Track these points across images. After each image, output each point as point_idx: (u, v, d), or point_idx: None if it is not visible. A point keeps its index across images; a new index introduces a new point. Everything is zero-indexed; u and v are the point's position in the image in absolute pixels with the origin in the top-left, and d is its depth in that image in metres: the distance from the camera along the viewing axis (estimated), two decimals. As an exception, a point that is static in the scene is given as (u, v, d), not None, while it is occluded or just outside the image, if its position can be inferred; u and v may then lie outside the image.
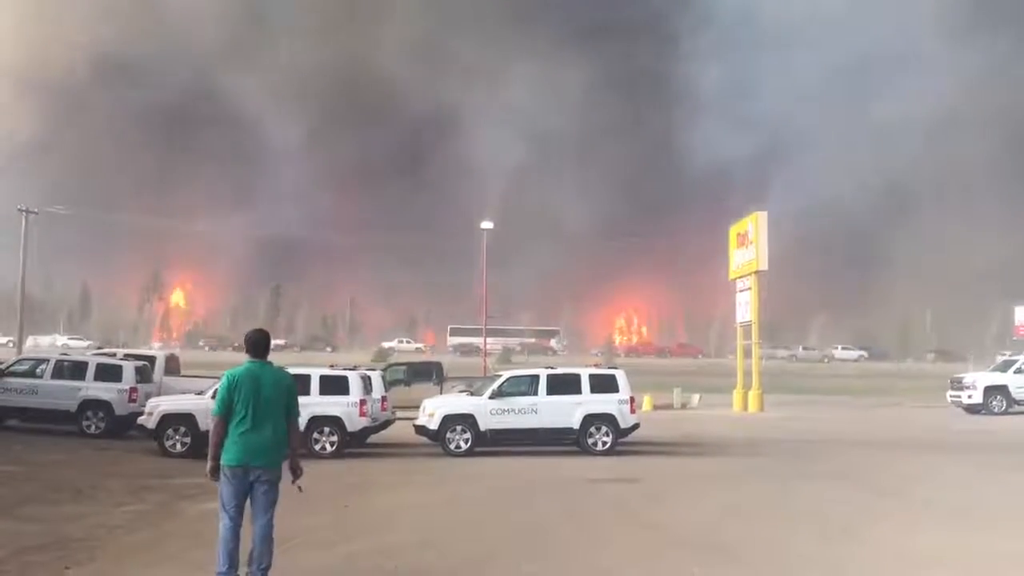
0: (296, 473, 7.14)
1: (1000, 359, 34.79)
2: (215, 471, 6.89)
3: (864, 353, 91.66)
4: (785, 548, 9.48)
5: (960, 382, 32.37)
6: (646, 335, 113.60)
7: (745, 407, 35.27)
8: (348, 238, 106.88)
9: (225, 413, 6.88)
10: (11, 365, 22.46)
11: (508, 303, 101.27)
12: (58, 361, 21.84)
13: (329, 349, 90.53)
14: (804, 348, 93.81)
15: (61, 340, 79.08)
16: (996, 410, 30.45)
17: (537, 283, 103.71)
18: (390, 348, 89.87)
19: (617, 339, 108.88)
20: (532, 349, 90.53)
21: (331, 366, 20.23)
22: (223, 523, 6.82)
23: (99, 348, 34.35)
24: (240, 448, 6.82)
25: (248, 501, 6.91)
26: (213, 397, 16.42)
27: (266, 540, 6.87)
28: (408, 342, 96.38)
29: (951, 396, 32.72)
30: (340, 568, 8.48)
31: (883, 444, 21.61)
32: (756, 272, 35.74)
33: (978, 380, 31.85)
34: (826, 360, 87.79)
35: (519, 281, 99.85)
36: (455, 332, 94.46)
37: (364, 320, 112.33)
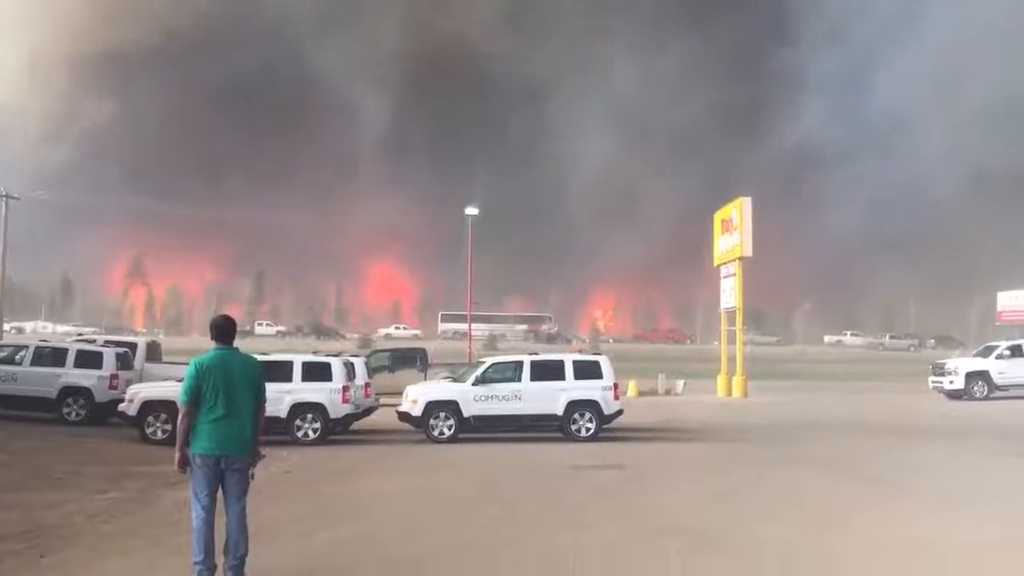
0: (254, 459, 7.05)
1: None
2: (184, 462, 6.78)
3: (915, 342, 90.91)
4: (767, 534, 9.46)
5: (942, 368, 32.56)
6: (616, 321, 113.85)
7: (729, 393, 35.40)
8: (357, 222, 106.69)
9: (193, 402, 6.76)
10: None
11: (532, 290, 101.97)
12: (37, 348, 21.66)
13: (340, 336, 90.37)
14: (891, 336, 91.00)
15: (56, 328, 78.77)
16: (978, 395, 30.65)
17: (551, 268, 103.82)
18: (387, 334, 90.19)
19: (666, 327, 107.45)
20: (538, 336, 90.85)
21: (314, 352, 20.14)
22: (196, 513, 6.73)
23: (79, 334, 34.15)
24: (212, 436, 6.72)
25: (220, 489, 6.83)
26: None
27: (241, 528, 6.80)
28: (405, 328, 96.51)
29: (933, 382, 32.91)
30: (320, 557, 8.41)
31: (865, 429, 21.69)
32: (740, 258, 35.80)
33: (960, 366, 32.06)
34: (911, 349, 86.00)
35: (530, 266, 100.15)
36: (446, 318, 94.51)
37: (351, 306, 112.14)
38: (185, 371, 6.98)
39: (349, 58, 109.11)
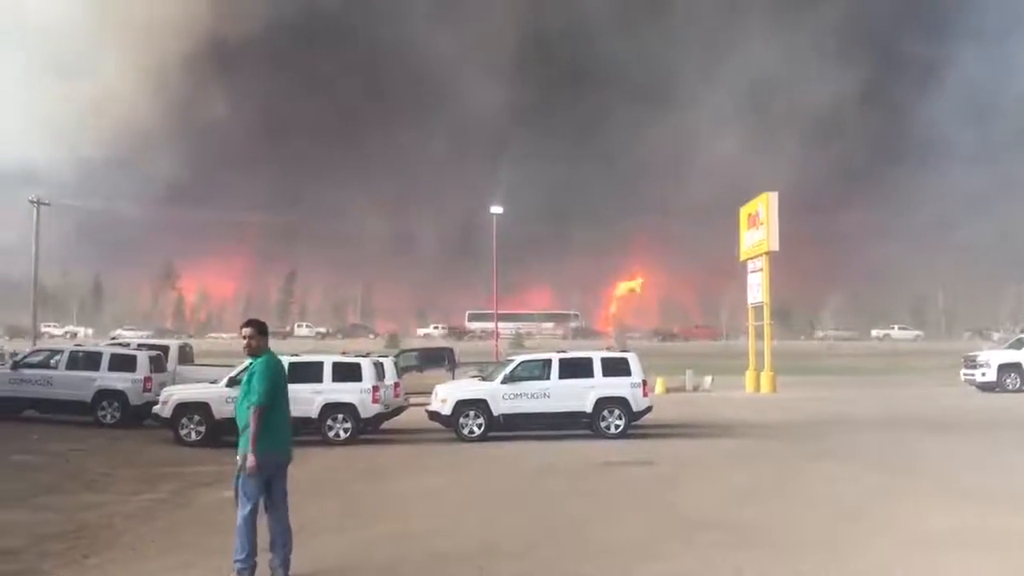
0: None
1: None
2: (257, 464, 6.73)
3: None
4: (800, 528, 9.46)
5: (974, 360, 32.23)
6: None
7: (758, 388, 35.22)
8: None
9: (271, 402, 6.81)
10: (26, 356, 22.62)
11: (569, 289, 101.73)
12: (72, 352, 21.96)
13: (372, 336, 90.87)
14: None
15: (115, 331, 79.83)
16: (1010, 388, 30.31)
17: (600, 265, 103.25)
18: (426, 334, 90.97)
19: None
20: (581, 334, 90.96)
21: (343, 353, 20.28)
22: (244, 512, 6.78)
23: (112, 338, 34.54)
24: (276, 437, 6.85)
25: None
26: (230, 384, 16.62)
27: (287, 527, 6.92)
28: (443, 327, 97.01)
29: (965, 374, 32.58)
30: (358, 554, 8.50)
31: (895, 423, 21.49)
32: (767, 253, 35.59)
33: (992, 358, 31.72)
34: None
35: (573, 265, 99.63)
36: (473, 317, 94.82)
37: (380, 305, 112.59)
38: (259, 370, 6.90)
39: (458, 47, 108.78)
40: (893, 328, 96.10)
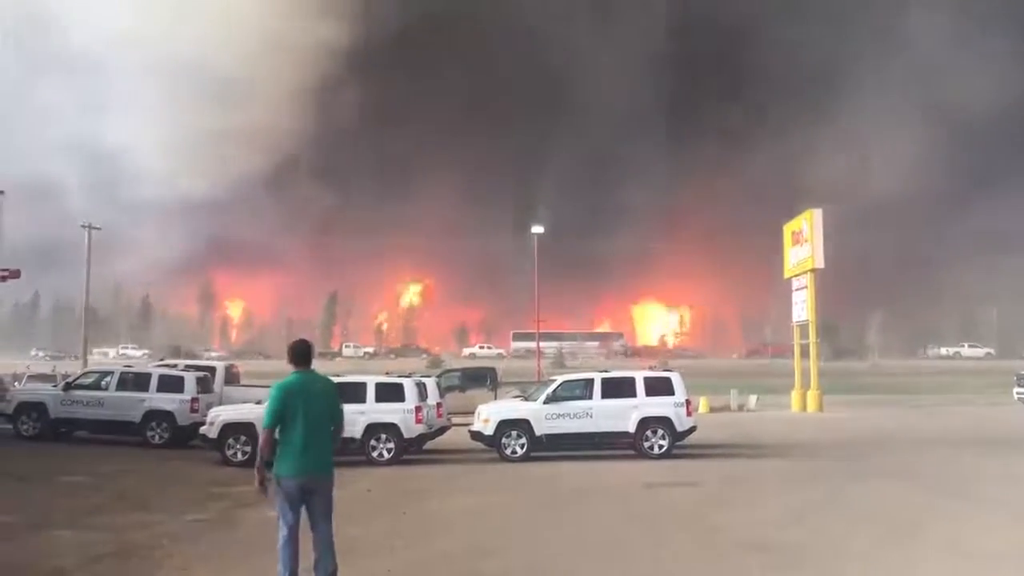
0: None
1: None
2: (263, 483, 6.91)
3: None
4: (851, 550, 9.30)
5: (1027, 378, 31.55)
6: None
7: (804, 407, 34.76)
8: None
9: (276, 425, 6.91)
10: (77, 378, 23.04)
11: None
12: (122, 373, 22.31)
13: (424, 356, 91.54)
14: None
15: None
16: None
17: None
18: (471, 353, 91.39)
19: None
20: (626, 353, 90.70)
21: (387, 373, 20.38)
22: (282, 532, 6.88)
23: (160, 360, 35.03)
24: (297, 459, 6.87)
25: (304, 509, 6.98)
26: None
27: (330, 546, 6.94)
28: (489, 347, 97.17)
29: (1017, 393, 31.87)
30: (404, 575, 8.52)
31: (945, 443, 21.08)
32: (812, 270, 35.21)
33: (1046, 376, 31.02)
34: None
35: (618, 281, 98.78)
36: (517, 337, 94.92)
37: (419, 326, 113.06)
38: (268, 394, 7.13)
39: (593, 55, 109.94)
40: (963, 346, 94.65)
